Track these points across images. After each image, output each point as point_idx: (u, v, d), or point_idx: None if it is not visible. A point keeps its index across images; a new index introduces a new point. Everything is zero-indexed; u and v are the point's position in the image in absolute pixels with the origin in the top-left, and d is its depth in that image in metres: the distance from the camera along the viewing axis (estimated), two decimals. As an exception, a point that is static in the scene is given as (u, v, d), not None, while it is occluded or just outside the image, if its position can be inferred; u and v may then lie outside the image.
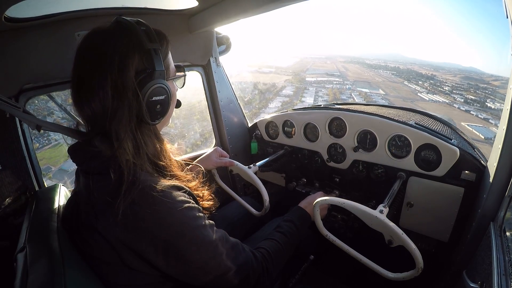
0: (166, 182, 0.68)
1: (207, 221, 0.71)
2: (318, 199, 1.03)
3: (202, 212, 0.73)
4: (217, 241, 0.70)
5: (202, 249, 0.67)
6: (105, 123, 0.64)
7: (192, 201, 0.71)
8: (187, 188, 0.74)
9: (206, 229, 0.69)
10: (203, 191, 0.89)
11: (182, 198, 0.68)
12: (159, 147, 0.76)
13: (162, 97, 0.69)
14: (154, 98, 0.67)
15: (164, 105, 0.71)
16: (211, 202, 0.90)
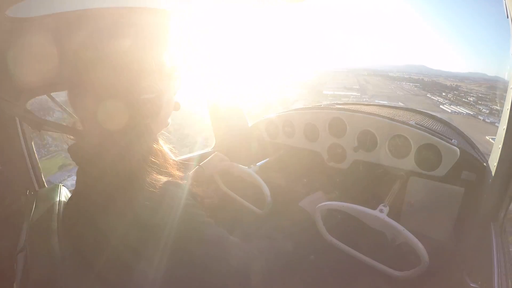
0: (163, 179, 0.69)
1: (206, 219, 0.71)
2: (318, 205, 1.03)
3: (201, 210, 0.73)
4: (216, 238, 0.71)
5: (201, 245, 0.67)
6: (99, 121, 0.66)
7: (190, 198, 0.71)
8: (184, 185, 0.74)
9: (205, 226, 0.70)
10: (201, 190, 0.89)
11: (180, 195, 0.68)
12: (153, 145, 0.76)
13: (152, 95, 0.70)
14: (144, 96, 0.68)
15: (154, 103, 0.71)
16: (209, 201, 0.90)
